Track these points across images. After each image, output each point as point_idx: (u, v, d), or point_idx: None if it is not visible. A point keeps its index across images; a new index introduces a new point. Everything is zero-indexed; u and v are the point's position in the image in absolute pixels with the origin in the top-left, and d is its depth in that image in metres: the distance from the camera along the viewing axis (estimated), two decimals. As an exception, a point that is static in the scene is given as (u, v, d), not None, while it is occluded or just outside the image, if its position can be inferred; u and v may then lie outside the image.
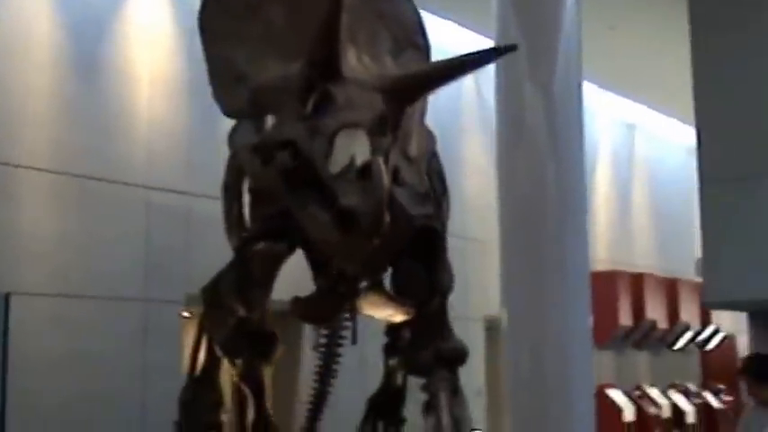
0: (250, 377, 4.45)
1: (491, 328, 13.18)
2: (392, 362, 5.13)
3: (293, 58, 3.93)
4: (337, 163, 3.45)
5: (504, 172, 8.35)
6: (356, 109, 3.56)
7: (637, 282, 17.00)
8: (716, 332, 19.21)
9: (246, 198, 4.66)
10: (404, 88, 3.70)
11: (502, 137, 8.43)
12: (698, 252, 19.04)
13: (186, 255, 10.00)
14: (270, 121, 3.95)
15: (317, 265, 4.27)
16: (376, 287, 4.38)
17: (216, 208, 10.34)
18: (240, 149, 4.46)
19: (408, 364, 4.29)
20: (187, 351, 10.23)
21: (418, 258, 4.14)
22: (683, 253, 19.13)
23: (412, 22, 4.56)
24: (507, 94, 8.29)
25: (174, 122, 10.29)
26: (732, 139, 10.69)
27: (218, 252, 10.03)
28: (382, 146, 3.51)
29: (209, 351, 5.11)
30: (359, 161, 3.42)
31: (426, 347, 4.19)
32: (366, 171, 3.39)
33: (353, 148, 3.45)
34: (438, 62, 3.80)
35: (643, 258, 18.59)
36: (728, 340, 19.71)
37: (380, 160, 3.40)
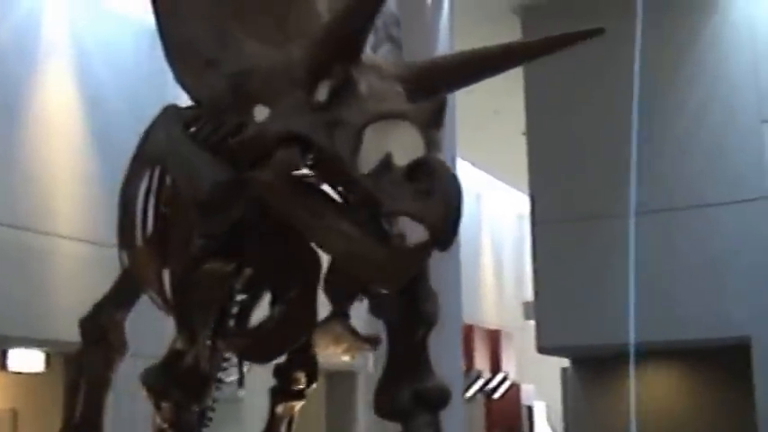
0: (179, 423, 3.69)
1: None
2: (279, 408, 4.43)
3: (283, 41, 3.37)
4: (366, 162, 2.89)
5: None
6: (385, 99, 3.02)
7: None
8: (504, 380, 19.13)
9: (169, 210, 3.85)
10: (434, 78, 3.26)
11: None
12: (486, 294, 19.27)
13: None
14: (260, 112, 3.25)
15: (276, 289, 3.63)
16: (338, 317, 3.76)
17: (12, 236, 9.59)
18: (171, 149, 3.67)
19: (382, 407, 3.54)
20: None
21: None
22: (475, 298, 18.99)
23: (389, 13, 3.97)
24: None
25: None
26: (563, 184, 10.63)
27: (11, 285, 9.26)
28: (438, 141, 2.94)
29: (91, 393, 4.59)
30: (402, 159, 2.85)
31: (404, 387, 3.51)
32: (416, 171, 2.84)
33: (387, 143, 2.89)
34: (472, 51, 3.29)
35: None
36: (514, 388, 19.72)
37: (442, 157, 2.87)
